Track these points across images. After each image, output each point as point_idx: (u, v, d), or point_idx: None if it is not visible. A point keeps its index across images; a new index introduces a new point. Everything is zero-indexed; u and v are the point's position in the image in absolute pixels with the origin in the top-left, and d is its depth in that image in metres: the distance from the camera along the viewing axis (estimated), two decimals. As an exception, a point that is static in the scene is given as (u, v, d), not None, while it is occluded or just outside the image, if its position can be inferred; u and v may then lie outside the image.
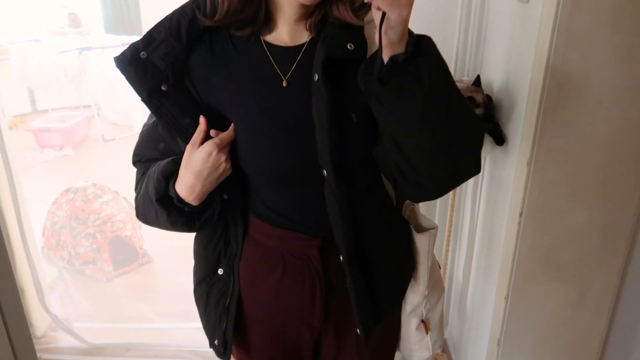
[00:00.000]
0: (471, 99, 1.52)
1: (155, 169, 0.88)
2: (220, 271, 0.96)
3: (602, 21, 1.13)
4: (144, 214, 0.93)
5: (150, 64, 0.80)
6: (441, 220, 1.90)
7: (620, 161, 1.26)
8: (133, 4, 5.82)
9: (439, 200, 1.88)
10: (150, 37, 0.81)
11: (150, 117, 0.92)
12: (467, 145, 0.76)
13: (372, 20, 0.86)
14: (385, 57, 0.69)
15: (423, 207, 1.88)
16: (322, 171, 0.83)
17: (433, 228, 1.00)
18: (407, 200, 1.04)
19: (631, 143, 1.24)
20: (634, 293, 1.46)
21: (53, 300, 2.41)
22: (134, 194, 0.98)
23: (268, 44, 0.84)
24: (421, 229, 1.00)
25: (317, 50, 0.81)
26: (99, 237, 2.80)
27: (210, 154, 0.82)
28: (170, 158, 0.87)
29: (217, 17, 0.79)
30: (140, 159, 0.95)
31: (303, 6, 0.81)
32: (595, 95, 1.19)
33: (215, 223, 0.92)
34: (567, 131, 1.23)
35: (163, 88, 0.81)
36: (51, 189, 3.08)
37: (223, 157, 0.84)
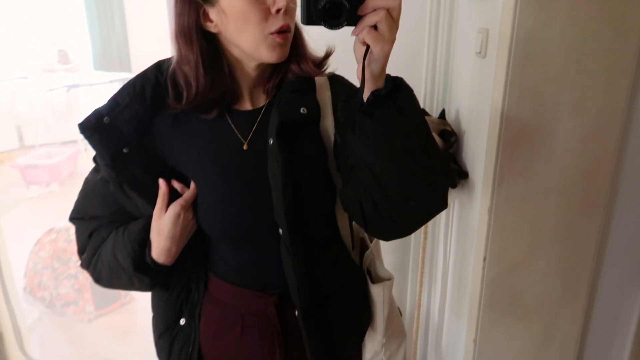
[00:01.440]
0: (444, 131, 1.59)
1: (124, 237, 0.89)
2: (182, 321, 0.97)
3: (551, 77, 1.20)
4: (110, 281, 0.94)
5: (114, 128, 0.83)
6: (414, 262, 1.94)
7: (576, 208, 1.32)
8: (122, 41, 5.94)
9: (412, 242, 1.92)
10: (115, 102, 0.85)
11: (94, 173, 0.93)
12: (440, 177, 0.80)
13: (322, 85, 0.92)
14: (367, 91, 0.73)
15: (397, 249, 1.92)
16: (278, 229, 0.87)
17: (389, 279, 1.03)
18: (368, 250, 1.07)
19: (585, 191, 1.30)
20: (599, 332, 1.50)
21: (33, 344, 2.39)
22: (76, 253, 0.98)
23: (229, 109, 0.89)
24: (378, 280, 1.03)
25: (272, 115, 0.86)
26: (80, 278, 2.79)
27: (178, 215, 0.86)
28: (140, 225, 0.89)
29: (185, 101, 0.83)
30: (83, 216, 0.94)
31: (265, 69, 0.86)
32: (548, 146, 1.25)
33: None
34: (523, 180, 1.28)
35: (125, 151, 0.84)
36: (36, 227, 3.08)
37: (190, 215, 0.88)
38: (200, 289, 0.97)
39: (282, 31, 0.78)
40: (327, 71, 0.92)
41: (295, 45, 0.86)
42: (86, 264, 0.95)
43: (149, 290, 0.96)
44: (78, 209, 0.96)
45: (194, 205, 0.90)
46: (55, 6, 5.72)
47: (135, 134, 0.85)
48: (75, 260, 2.83)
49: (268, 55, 0.80)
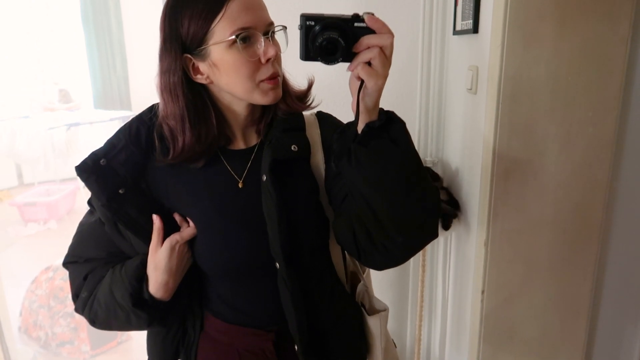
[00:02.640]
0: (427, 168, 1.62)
1: (121, 274, 0.90)
2: None
3: (539, 112, 1.24)
4: (106, 320, 0.94)
5: (110, 170, 0.86)
6: (413, 296, 1.93)
7: (571, 240, 1.33)
8: (122, 80, 6.04)
9: (411, 276, 1.92)
10: (111, 145, 0.88)
11: (88, 216, 0.95)
12: (431, 206, 0.82)
13: (311, 124, 0.95)
14: (362, 123, 0.76)
15: (396, 283, 1.92)
16: (275, 264, 0.88)
17: (384, 310, 1.03)
18: (360, 283, 1.08)
19: (579, 223, 1.31)
20: (600, 367, 1.48)
21: (26, 385, 2.35)
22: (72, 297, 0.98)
23: (222, 148, 0.92)
24: (373, 312, 1.04)
25: (264, 153, 0.89)
26: (76, 316, 2.76)
27: (173, 249, 0.88)
28: (137, 261, 0.90)
29: (171, 155, 0.86)
30: (78, 259, 0.96)
31: (252, 112, 0.90)
32: (540, 179, 1.27)
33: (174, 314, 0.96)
34: (517, 213, 1.30)
35: (120, 192, 0.86)
36: (33, 265, 3.06)
37: (185, 248, 0.90)
38: (196, 328, 0.97)
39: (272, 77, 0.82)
40: (313, 104, 0.96)
41: (283, 85, 0.90)
42: (81, 307, 0.95)
43: (146, 328, 0.95)
44: (73, 253, 0.96)
45: (190, 242, 0.91)
46: (57, 46, 5.86)
47: (131, 176, 0.88)
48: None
49: (262, 100, 0.84)
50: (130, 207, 0.87)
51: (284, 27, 0.85)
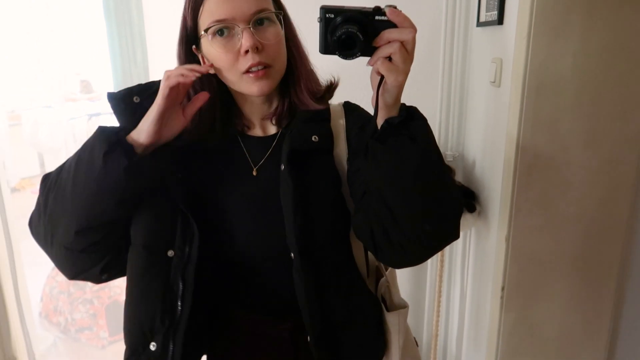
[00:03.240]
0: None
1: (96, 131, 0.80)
2: (152, 345, 0.86)
3: (565, 107, 1.21)
4: (72, 189, 0.78)
5: (140, 109, 0.84)
6: (431, 291, 1.91)
7: (596, 237, 1.30)
8: (142, 71, 6.09)
9: (429, 271, 1.90)
10: (147, 86, 0.87)
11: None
12: (451, 207, 0.80)
13: (337, 113, 0.94)
14: (381, 119, 0.74)
15: (414, 277, 1.90)
16: (290, 255, 0.87)
17: (404, 307, 1.02)
18: (383, 278, 1.07)
19: (604, 220, 1.28)
20: (622, 368, 1.45)
21: (46, 370, 2.40)
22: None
23: (243, 135, 0.92)
24: (393, 308, 1.02)
25: (284, 142, 0.88)
26: (96, 303, 2.80)
27: (176, 87, 0.78)
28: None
29: (183, 137, 0.86)
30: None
31: (265, 103, 0.89)
32: (564, 175, 1.24)
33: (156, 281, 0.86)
34: (540, 209, 1.27)
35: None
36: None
37: (182, 98, 0.82)
38: (185, 304, 0.86)
39: (255, 69, 0.81)
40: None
41: (292, 77, 0.88)
42: (42, 187, 0.84)
43: (120, 192, 0.78)
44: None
45: (205, 237, 0.86)
46: (79, 37, 5.93)
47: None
48: (92, 285, 2.86)
49: (249, 90, 0.84)
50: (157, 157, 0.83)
51: (279, 12, 0.84)
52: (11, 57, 5.35)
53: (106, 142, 0.77)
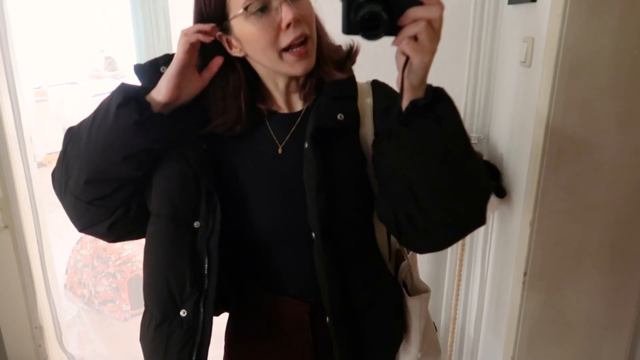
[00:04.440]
0: None
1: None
2: (183, 312, 0.87)
3: (600, 88, 1.16)
4: (87, 140, 0.81)
5: None
6: (451, 274, 1.89)
7: (625, 224, 1.26)
8: (166, 48, 6.11)
9: (449, 254, 1.88)
10: (173, 55, 0.84)
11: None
12: (478, 193, 0.78)
13: (364, 92, 0.91)
14: (406, 101, 0.72)
15: (433, 260, 1.89)
16: (311, 234, 0.86)
17: (426, 291, 1.01)
18: (404, 262, 1.05)
19: (635, 207, 1.24)
20: (647, 358, 1.42)
21: (71, 339, 2.47)
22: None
23: (268, 111, 0.90)
24: (415, 292, 1.01)
25: (309, 119, 0.86)
26: (118, 277, 2.87)
27: (194, 45, 0.80)
28: None
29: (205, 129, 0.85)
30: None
31: (294, 79, 0.87)
32: (596, 159, 1.20)
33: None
34: (569, 194, 1.24)
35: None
36: (78, 227, 3.19)
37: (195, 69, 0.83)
38: (212, 274, 0.88)
39: (296, 46, 0.78)
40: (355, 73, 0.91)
41: (319, 52, 0.85)
42: (65, 138, 0.87)
43: (128, 147, 0.79)
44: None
45: (227, 211, 0.87)
46: (104, 15, 5.97)
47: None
48: (114, 260, 2.92)
49: (290, 71, 0.81)
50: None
51: None
52: (37, 34, 5.41)
53: (122, 95, 0.78)
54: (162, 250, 0.88)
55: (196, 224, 0.86)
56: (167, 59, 0.84)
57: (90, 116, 0.83)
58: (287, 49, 0.78)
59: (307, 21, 0.80)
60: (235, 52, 0.83)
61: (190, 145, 0.86)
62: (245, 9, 0.76)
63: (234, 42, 0.82)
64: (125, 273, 2.88)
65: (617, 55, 1.13)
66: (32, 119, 4.94)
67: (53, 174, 0.89)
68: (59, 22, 5.66)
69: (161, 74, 0.82)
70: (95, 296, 2.88)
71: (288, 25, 0.76)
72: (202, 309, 0.87)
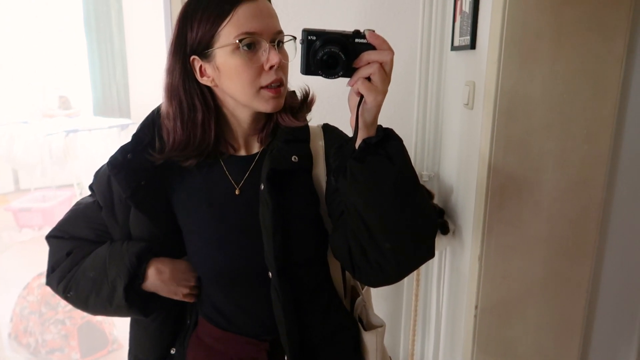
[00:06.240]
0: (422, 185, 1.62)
1: (122, 249, 0.91)
2: (173, 350, 0.99)
3: (535, 128, 1.24)
4: (86, 296, 0.93)
5: (135, 164, 0.88)
6: (407, 310, 1.92)
7: (565, 257, 1.33)
8: (122, 88, 6.06)
9: (405, 290, 1.91)
10: (138, 139, 0.89)
11: (87, 198, 0.98)
12: (425, 225, 0.81)
13: (316, 135, 0.95)
14: (359, 139, 0.76)
15: (390, 296, 1.91)
16: (268, 273, 0.87)
17: (381, 326, 1.03)
18: (359, 298, 1.07)
19: (573, 239, 1.31)
20: (594, 386, 1.47)
21: (14, 393, 2.31)
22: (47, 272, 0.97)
23: (223, 153, 0.92)
24: (370, 327, 1.03)
25: (264, 161, 0.89)
26: (68, 324, 2.73)
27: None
28: (143, 243, 0.92)
29: (163, 153, 0.88)
30: (64, 235, 0.98)
31: (255, 120, 0.90)
32: (535, 196, 1.28)
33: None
34: (512, 229, 1.30)
35: (142, 183, 0.88)
36: (25, 271, 3.03)
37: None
38: (192, 319, 1.00)
39: (275, 85, 0.83)
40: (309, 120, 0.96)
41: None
42: (56, 281, 0.95)
43: (126, 312, 0.94)
44: (60, 228, 0.98)
45: (186, 245, 0.93)
46: (59, 53, 5.88)
47: (152, 168, 0.89)
48: (64, 305, 2.78)
49: (263, 107, 0.85)
50: (150, 196, 0.90)
51: (294, 38, 0.85)
52: (-13, 72, 5.27)
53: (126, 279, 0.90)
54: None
55: None
56: (133, 145, 0.89)
57: (87, 282, 0.92)
58: (264, 86, 0.83)
59: (285, 69, 0.85)
60: (206, 81, 0.85)
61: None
62: (240, 41, 0.79)
63: (209, 71, 0.84)
64: (75, 319, 2.75)
65: (548, 99, 1.22)
66: (-21, 159, 4.77)
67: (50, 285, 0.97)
68: (10, 59, 5.54)
69: (129, 160, 0.88)
70: (42, 345, 2.72)
71: (271, 67, 0.81)
72: (184, 345, 1.01)
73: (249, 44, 0.80)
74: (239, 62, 0.80)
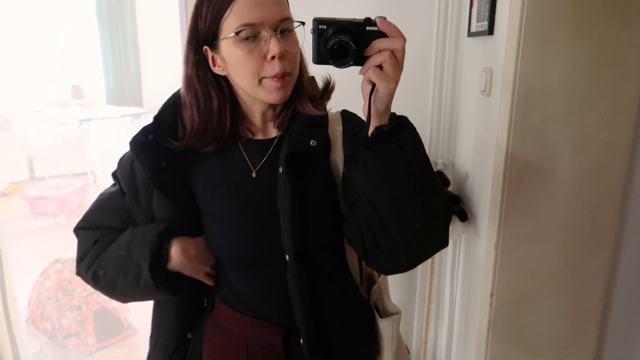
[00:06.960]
0: (439, 172, 1.62)
1: (144, 231, 0.92)
2: (189, 335, 1.01)
3: (553, 116, 1.23)
4: (113, 279, 0.94)
5: (157, 145, 0.89)
6: (421, 298, 1.92)
7: (582, 245, 1.31)
8: (135, 77, 6.09)
9: (419, 278, 1.91)
10: (159, 121, 0.91)
11: (110, 187, 1.00)
12: (440, 215, 0.81)
13: (334, 120, 0.95)
14: (372, 127, 0.76)
15: (404, 284, 1.91)
16: (285, 256, 0.88)
17: (397, 313, 1.03)
18: (375, 285, 1.08)
19: (591, 228, 1.30)
20: (609, 375, 1.46)
21: (32, 376, 2.36)
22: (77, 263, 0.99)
23: (242, 137, 0.93)
24: (386, 314, 1.03)
25: (283, 145, 0.89)
26: (84, 309, 2.78)
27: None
28: (163, 224, 0.93)
29: (182, 141, 0.89)
30: (90, 225, 0.99)
31: (271, 107, 0.90)
32: (553, 183, 1.26)
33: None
34: (529, 217, 1.29)
35: (163, 165, 0.89)
36: (42, 258, 3.09)
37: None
38: (209, 303, 1.02)
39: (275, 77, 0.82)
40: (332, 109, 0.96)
41: (297, 84, 0.89)
42: (85, 268, 0.97)
43: (152, 294, 0.95)
44: (87, 219, 1.00)
45: (203, 228, 0.94)
46: (72, 43, 5.92)
47: (173, 150, 0.90)
48: (80, 292, 2.83)
49: (267, 98, 0.85)
50: (171, 178, 0.91)
51: (302, 23, 0.85)
52: (2, 61, 5.32)
53: (149, 258, 0.90)
54: None
55: None
56: (155, 126, 0.90)
57: (113, 267, 0.94)
58: (267, 77, 0.82)
59: (291, 58, 0.84)
60: (218, 70, 0.87)
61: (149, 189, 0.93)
62: (237, 33, 0.79)
63: (218, 61, 0.85)
64: (91, 305, 2.80)
65: (567, 86, 1.20)
66: (-5, 147, 4.83)
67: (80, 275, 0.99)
68: (25, 49, 5.58)
69: (151, 141, 0.88)
70: (58, 330, 2.77)
71: (273, 58, 0.80)
72: (200, 330, 1.03)
73: (250, 36, 0.80)
74: (240, 53, 0.81)
